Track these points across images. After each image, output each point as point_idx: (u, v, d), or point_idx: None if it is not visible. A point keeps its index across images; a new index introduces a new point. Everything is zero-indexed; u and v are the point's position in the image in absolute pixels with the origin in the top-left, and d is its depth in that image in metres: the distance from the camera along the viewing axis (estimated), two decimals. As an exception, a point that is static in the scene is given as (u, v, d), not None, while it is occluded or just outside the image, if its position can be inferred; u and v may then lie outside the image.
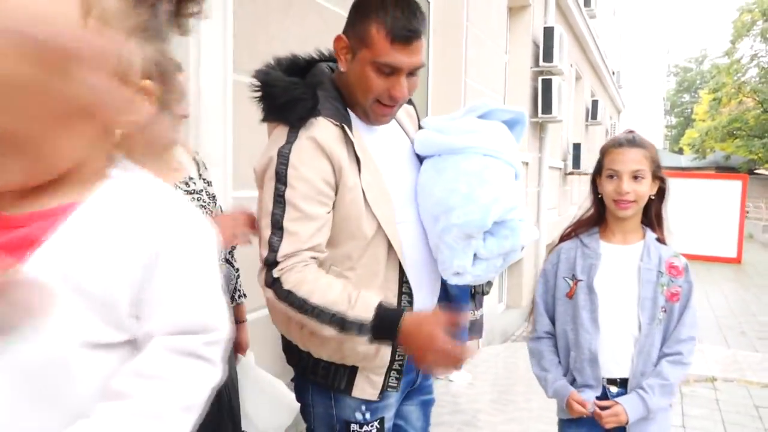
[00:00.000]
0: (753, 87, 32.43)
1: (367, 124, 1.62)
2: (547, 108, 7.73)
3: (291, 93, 1.50)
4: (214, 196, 1.83)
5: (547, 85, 7.70)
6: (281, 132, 1.52)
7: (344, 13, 2.90)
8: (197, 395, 0.80)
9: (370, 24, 1.49)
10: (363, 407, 1.62)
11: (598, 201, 2.01)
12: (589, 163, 12.15)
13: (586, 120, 13.16)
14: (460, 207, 1.55)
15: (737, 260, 13.64)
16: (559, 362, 2.01)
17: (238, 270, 2.00)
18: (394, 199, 1.59)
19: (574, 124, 11.87)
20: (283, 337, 1.69)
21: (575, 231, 2.05)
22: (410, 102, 1.80)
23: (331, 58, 1.66)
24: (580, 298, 1.95)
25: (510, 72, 7.29)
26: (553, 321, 2.03)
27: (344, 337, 1.45)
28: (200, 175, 1.81)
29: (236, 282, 1.99)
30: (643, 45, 27.31)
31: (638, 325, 1.91)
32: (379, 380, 1.59)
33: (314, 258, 1.48)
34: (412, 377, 1.75)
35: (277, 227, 1.45)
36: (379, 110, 1.55)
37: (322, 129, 1.48)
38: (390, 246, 1.55)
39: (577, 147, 10.58)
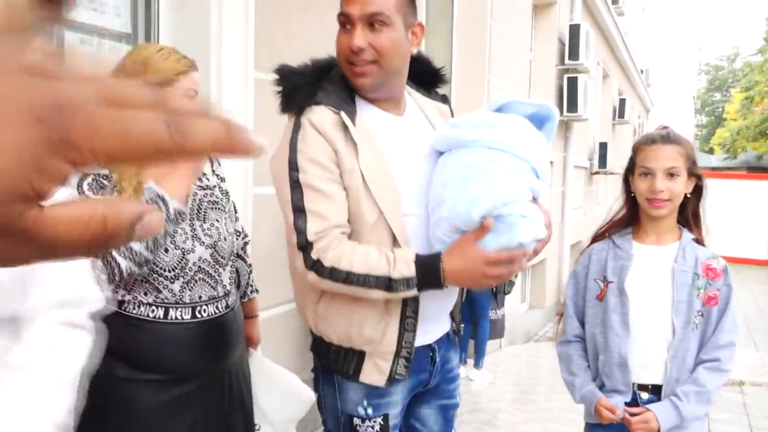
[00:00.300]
0: (787, 85, 31.65)
1: (385, 111, 1.64)
2: (573, 106, 7.64)
3: (293, 82, 1.55)
4: (227, 192, 1.85)
5: (573, 83, 7.61)
6: (290, 123, 1.57)
7: (366, 11, 2.92)
8: (80, 360, 0.91)
9: None
10: (365, 402, 1.64)
11: (631, 200, 1.93)
12: (615, 162, 12.00)
13: (613, 119, 12.97)
14: (450, 199, 1.51)
15: (767, 262, 13.36)
16: (588, 366, 1.95)
17: (250, 265, 2.02)
18: (403, 189, 1.59)
19: (601, 122, 11.71)
20: (309, 331, 1.74)
21: (608, 231, 1.98)
22: (446, 101, 1.83)
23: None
24: (611, 300, 1.88)
25: (535, 70, 7.22)
26: (583, 324, 1.97)
27: (394, 296, 1.51)
28: (213, 170, 1.83)
29: (249, 277, 2.00)
30: (673, 43, 26.81)
31: (672, 329, 1.83)
32: (387, 366, 1.61)
33: (343, 233, 1.53)
34: (424, 377, 1.73)
35: (299, 210, 1.50)
36: (350, 71, 1.55)
37: (317, 114, 1.53)
38: (394, 237, 1.55)
39: (603, 146, 10.45)
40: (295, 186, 1.51)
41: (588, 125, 9.72)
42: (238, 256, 1.96)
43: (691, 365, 1.83)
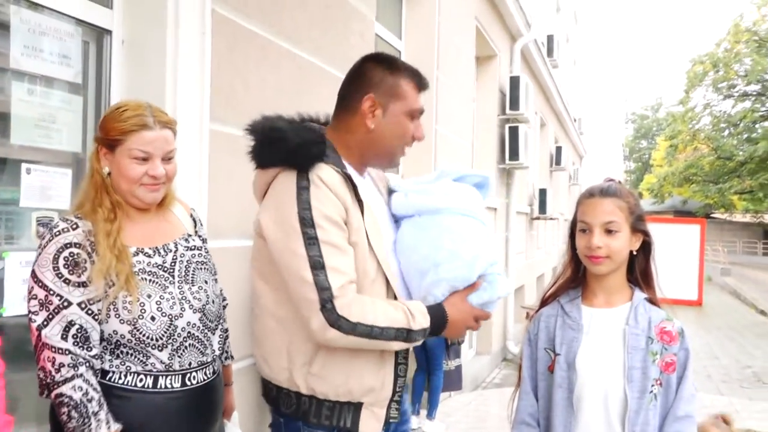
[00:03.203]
0: (707, 134, 33.70)
1: (359, 174, 1.80)
2: (514, 154, 7.87)
3: (304, 136, 1.63)
4: (209, 254, 1.80)
5: (514, 132, 7.87)
6: (287, 178, 1.62)
7: (320, 62, 2.95)
8: None
9: (401, 80, 1.75)
10: None
11: (575, 258, 1.80)
12: (554, 208, 12.37)
13: (551, 166, 13.44)
14: (447, 262, 1.70)
15: (698, 303, 13.87)
16: None
17: (227, 330, 1.92)
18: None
19: (540, 169, 12.10)
20: (272, 391, 1.74)
21: (556, 294, 1.84)
22: None
23: (308, 120, 1.83)
24: (558, 374, 1.73)
25: (478, 119, 7.43)
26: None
27: (410, 345, 1.66)
28: (196, 231, 1.77)
29: (225, 342, 1.90)
30: (603, 93, 28.24)
31: (625, 400, 1.65)
32: (383, 413, 1.70)
33: (354, 286, 1.61)
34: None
35: (319, 267, 1.55)
36: (403, 153, 1.83)
37: (326, 172, 1.62)
38: (388, 284, 1.70)
39: (543, 192, 10.78)
40: (312, 242, 1.55)
41: (528, 172, 10.02)
42: None
43: None
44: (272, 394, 1.75)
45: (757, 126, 33.22)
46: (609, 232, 1.70)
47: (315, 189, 1.59)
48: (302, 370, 1.65)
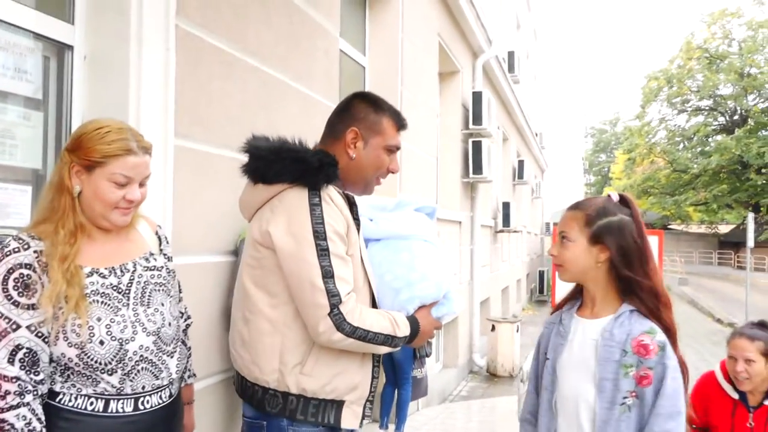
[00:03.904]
0: (663, 148, 34.74)
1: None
2: (478, 168, 7.97)
3: (321, 158, 1.81)
4: (173, 272, 1.76)
5: (477, 146, 7.97)
6: (297, 195, 1.80)
7: (285, 78, 2.96)
8: None
9: (383, 118, 1.98)
10: None
11: None
12: (517, 221, 12.53)
13: (514, 179, 13.64)
14: (419, 282, 1.99)
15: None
16: None
17: (190, 348, 1.90)
18: None
19: (503, 183, 12.27)
20: (257, 392, 1.87)
21: (562, 304, 1.94)
22: None
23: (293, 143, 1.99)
24: (545, 377, 1.84)
25: (442, 134, 7.51)
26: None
27: (392, 350, 1.91)
28: (161, 250, 1.74)
29: (187, 361, 1.88)
30: (562, 108, 28.85)
31: (594, 410, 1.70)
32: (360, 411, 1.91)
33: (354, 294, 1.82)
34: None
35: (329, 276, 1.75)
36: (377, 182, 2.05)
37: (333, 192, 1.85)
38: (372, 296, 1.95)
39: (506, 206, 10.92)
40: (324, 254, 1.75)
41: (492, 186, 10.15)
42: (180, 340, 1.85)
43: None
44: (257, 395, 1.86)
45: (710, 140, 34.39)
46: (562, 239, 1.80)
47: (327, 206, 1.79)
48: (294, 371, 1.82)
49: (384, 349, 1.87)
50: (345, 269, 1.79)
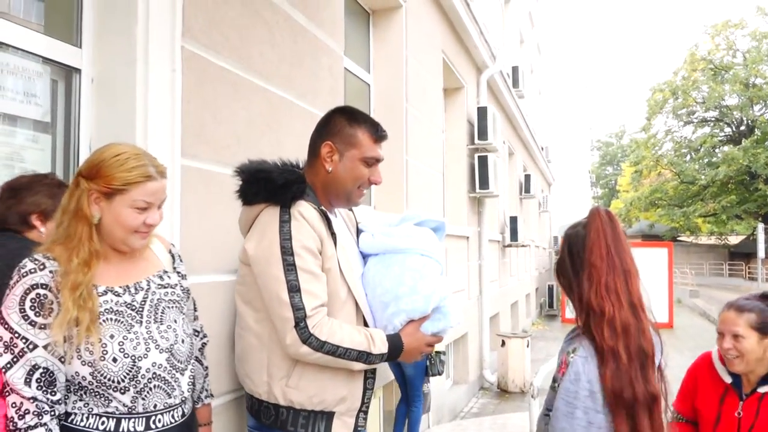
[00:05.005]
0: (670, 160, 34.61)
1: (330, 212, 2.03)
2: (484, 183, 7.97)
3: (287, 177, 1.87)
4: (188, 290, 1.77)
5: (483, 161, 7.97)
6: (271, 213, 1.86)
7: (290, 97, 2.98)
8: None
9: (358, 130, 2.00)
10: None
11: None
12: (525, 235, 12.49)
13: (520, 194, 13.63)
14: (406, 296, 1.97)
15: (669, 325, 14.07)
16: None
17: (206, 368, 1.90)
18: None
19: (510, 198, 12.26)
20: (255, 404, 1.94)
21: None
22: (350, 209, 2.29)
23: (289, 165, 2.05)
24: None
25: (447, 149, 7.52)
26: None
27: (368, 366, 1.90)
28: (175, 268, 1.75)
29: (204, 381, 1.88)
30: (568, 122, 28.88)
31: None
32: (352, 422, 1.93)
33: (325, 309, 1.83)
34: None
35: (295, 290, 1.78)
36: (359, 194, 2.07)
37: (305, 208, 1.87)
38: (357, 307, 1.96)
39: (513, 220, 10.89)
40: (290, 268, 1.79)
41: (498, 201, 10.13)
42: (196, 359, 1.85)
43: None
44: (255, 407, 1.95)
45: (717, 150, 34.25)
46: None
47: (295, 222, 1.83)
48: (281, 383, 1.86)
49: (358, 366, 1.86)
50: (314, 284, 1.81)
